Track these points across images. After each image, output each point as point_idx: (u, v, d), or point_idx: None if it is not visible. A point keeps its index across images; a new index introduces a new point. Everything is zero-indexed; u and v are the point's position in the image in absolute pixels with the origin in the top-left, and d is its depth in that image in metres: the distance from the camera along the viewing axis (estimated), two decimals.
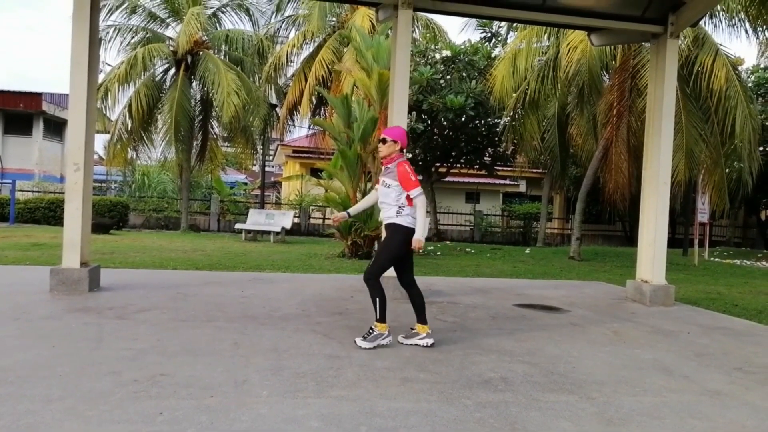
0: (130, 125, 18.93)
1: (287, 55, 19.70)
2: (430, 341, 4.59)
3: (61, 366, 3.70)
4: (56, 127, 26.43)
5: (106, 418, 2.91)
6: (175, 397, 3.24)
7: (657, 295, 7.23)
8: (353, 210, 5.05)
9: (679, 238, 18.90)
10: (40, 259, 9.13)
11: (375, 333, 4.50)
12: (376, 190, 4.78)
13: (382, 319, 4.51)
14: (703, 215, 15.32)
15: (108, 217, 17.56)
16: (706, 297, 8.40)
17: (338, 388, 3.52)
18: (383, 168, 4.66)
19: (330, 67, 17.89)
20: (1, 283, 6.64)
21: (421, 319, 4.64)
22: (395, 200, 4.51)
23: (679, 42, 10.32)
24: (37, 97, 24.36)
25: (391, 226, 4.54)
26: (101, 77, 17.73)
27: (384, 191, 4.59)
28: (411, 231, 4.47)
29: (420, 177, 21.11)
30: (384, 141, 4.60)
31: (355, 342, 4.50)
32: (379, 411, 3.17)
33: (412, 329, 4.74)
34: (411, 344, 4.59)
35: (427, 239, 16.35)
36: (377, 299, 4.49)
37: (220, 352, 4.20)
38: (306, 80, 18.63)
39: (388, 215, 4.55)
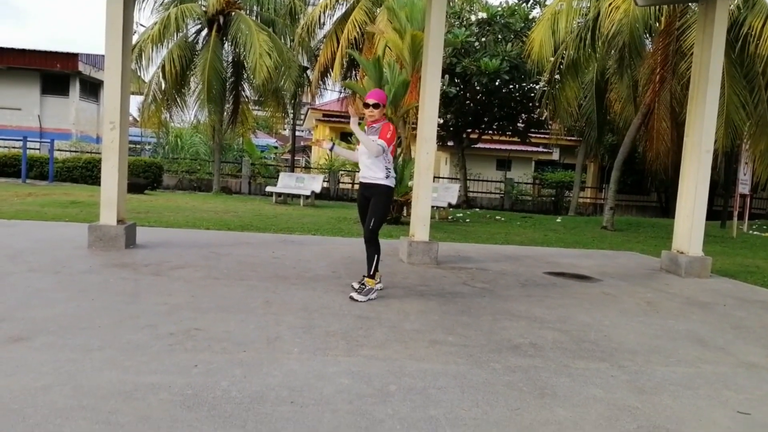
0: (163, 86, 19.03)
1: (319, 17, 19.42)
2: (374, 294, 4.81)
3: (100, 318, 3.82)
4: (92, 88, 26.80)
5: (144, 368, 3.00)
6: (209, 351, 3.32)
7: (693, 267, 7.06)
8: (337, 149, 5.33)
9: (717, 210, 18.35)
10: (78, 216, 9.38)
11: (368, 288, 4.80)
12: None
13: (374, 274, 4.84)
14: (744, 186, 14.80)
15: (143, 178, 17.91)
16: (743, 270, 8.17)
17: (368, 348, 3.56)
18: (367, 128, 4.91)
19: (362, 28, 17.57)
20: (42, 239, 6.86)
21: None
22: (384, 160, 4.81)
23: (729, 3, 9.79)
24: (73, 57, 24.63)
25: (378, 187, 4.86)
26: (135, 38, 17.83)
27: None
28: (393, 191, 5.03)
29: (450, 143, 20.96)
30: (377, 106, 4.82)
31: (351, 298, 4.71)
32: (408, 371, 3.20)
33: (363, 284, 4.86)
34: (368, 299, 4.71)
35: (456, 206, 16.23)
36: (376, 256, 4.83)
37: (252, 309, 4.28)
38: (338, 42, 18.36)
39: (375, 176, 4.84)
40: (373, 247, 4.85)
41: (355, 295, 4.74)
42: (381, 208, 4.86)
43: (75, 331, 3.52)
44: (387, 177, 4.84)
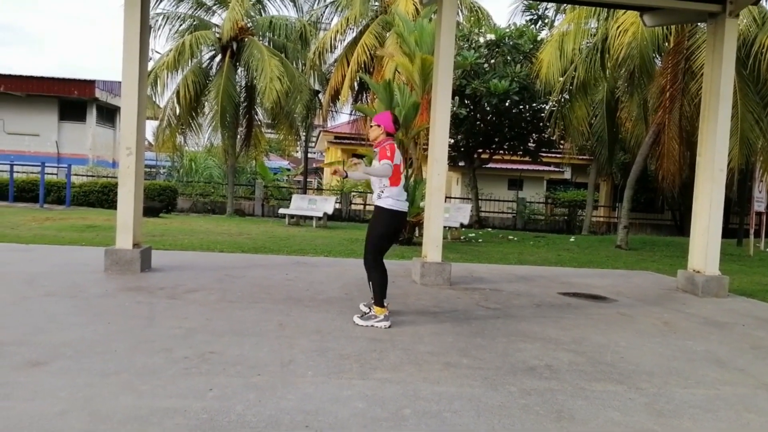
0: (178, 111, 19.38)
1: (330, 41, 19.73)
2: (386, 324, 4.60)
3: (116, 342, 3.85)
4: (108, 114, 27.31)
5: (159, 392, 3.02)
6: (224, 374, 3.33)
7: (710, 286, 6.97)
8: (352, 175, 4.97)
9: (733, 228, 18.14)
10: (94, 240, 9.50)
11: (371, 313, 4.68)
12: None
13: (378, 302, 4.64)
14: (759, 204, 14.64)
15: (158, 201, 18.10)
16: (762, 289, 8.05)
17: (381, 371, 3.55)
18: (374, 151, 4.97)
19: (372, 52, 17.82)
20: (59, 263, 6.95)
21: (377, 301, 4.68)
22: (378, 182, 4.74)
23: (738, 21, 9.80)
24: (90, 84, 25.18)
25: (375, 209, 4.80)
26: (151, 65, 18.20)
27: None
28: (393, 213, 4.70)
29: (461, 163, 21.01)
30: (371, 126, 4.91)
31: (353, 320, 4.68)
32: (422, 394, 3.18)
33: (370, 310, 4.77)
34: (368, 325, 4.59)
35: (468, 226, 16.19)
36: (371, 283, 4.68)
37: (266, 332, 4.29)
38: (348, 66, 18.62)
39: (374, 197, 4.82)
40: (371, 273, 4.69)
41: (356, 318, 4.69)
42: (372, 231, 4.74)
43: (91, 356, 3.55)
44: (379, 197, 4.72)
